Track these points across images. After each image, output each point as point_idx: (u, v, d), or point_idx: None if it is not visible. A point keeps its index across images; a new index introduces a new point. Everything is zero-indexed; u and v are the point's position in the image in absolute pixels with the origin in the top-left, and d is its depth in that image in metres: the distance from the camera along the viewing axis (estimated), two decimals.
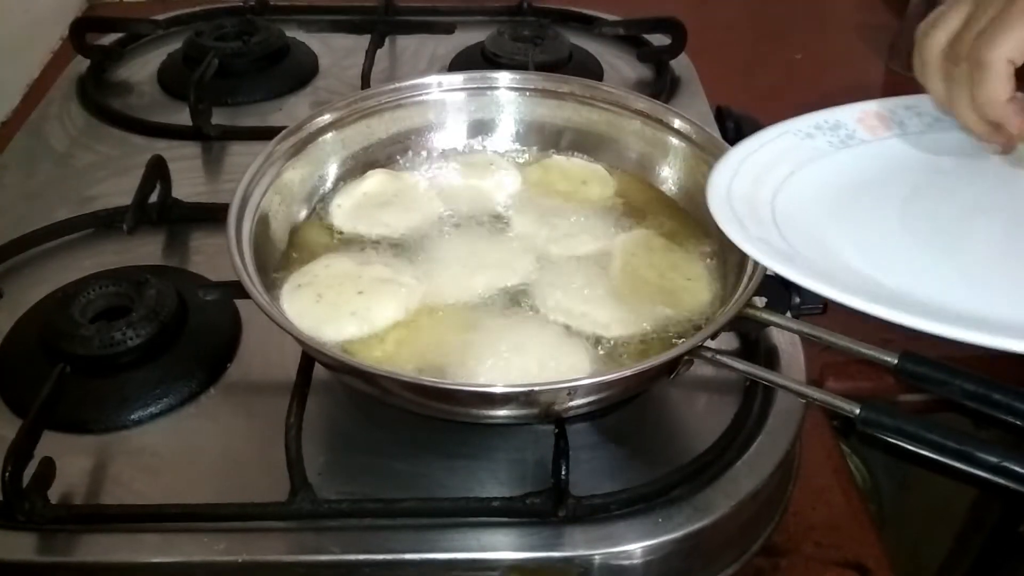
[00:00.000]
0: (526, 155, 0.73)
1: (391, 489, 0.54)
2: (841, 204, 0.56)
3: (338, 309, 0.57)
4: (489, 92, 0.72)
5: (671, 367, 0.51)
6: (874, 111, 0.62)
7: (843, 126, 0.61)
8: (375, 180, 0.68)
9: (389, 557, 0.51)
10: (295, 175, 0.65)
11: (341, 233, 0.65)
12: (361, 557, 0.51)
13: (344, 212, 0.66)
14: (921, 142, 0.60)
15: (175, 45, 0.99)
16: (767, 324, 0.54)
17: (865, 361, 0.49)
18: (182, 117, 0.86)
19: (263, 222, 0.60)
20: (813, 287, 0.45)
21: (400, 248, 0.64)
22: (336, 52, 1.02)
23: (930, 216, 0.55)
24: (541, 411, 0.52)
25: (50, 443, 0.53)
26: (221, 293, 0.59)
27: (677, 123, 0.68)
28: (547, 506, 0.51)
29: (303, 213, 0.66)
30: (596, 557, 0.51)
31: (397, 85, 0.71)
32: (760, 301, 0.53)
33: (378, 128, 0.70)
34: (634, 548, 0.51)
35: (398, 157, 0.71)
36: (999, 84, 0.52)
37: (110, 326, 0.60)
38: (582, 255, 0.64)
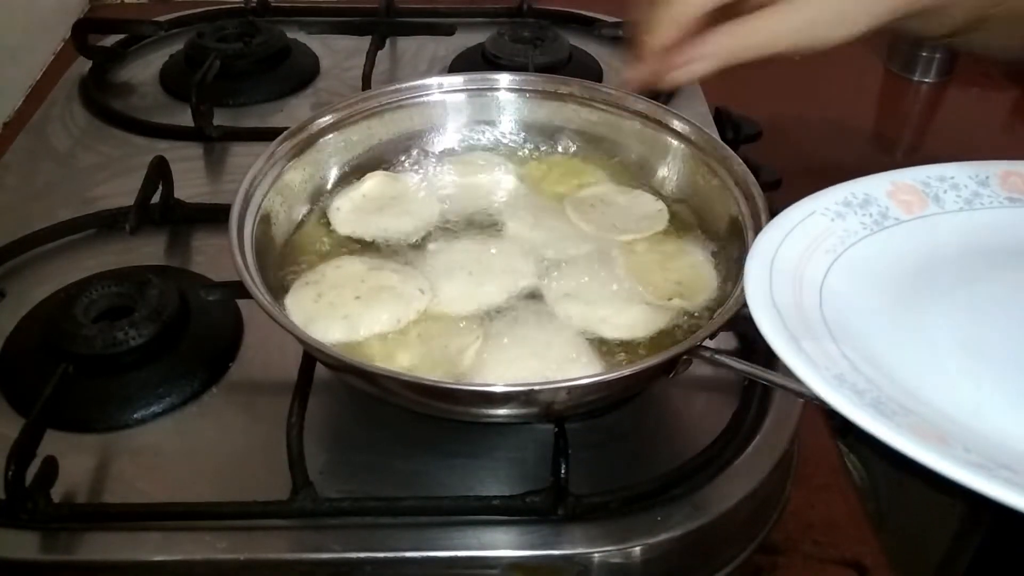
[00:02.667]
0: (526, 156, 0.73)
1: (392, 488, 0.54)
2: (896, 309, 0.48)
3: (333, 311, 0.57)
4: (489, 93, 0.73)
5: (670, 366, 0.51)
6: (905, 184, 0.55)
7: (874, 202, 0.54)
8: (373, 182, 0.68)
9: (390, 555, 0.51)
10: (297, 176, 0.65)
11: (338, 235, 0.65)
12: (362, 555, 0.51)
13: (342, 215, 0.66)
14: (965, 222, 0.54)
15: (177, 46, 0.99)
16: None
17: None
18: (184, 118, 0.86)
19: (265, 223, 0.60)
20: (925, 459, 0.35)
21: (404, 254, 0.63)
22: (337, 53, 1.02)
23: (1002, 324, 0.47)
24: (541, 410, 0.52)
25: (53, 442, 0.54)
26: (223, 293, 0.60)
27: (676, 124, 0.68)
28: (547, 504, 0.52)
29: (305, 214, 0.66)
30: (595, 555, 0.51)
31: (398, 86, 0.71)
32: None
33: (379, 129, 0.70)
34: (633, 546, 0.51)
35: (399, 158, 0.72)
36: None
37: (112, 326, 0.61)
38: (585, 255, 0.64)
